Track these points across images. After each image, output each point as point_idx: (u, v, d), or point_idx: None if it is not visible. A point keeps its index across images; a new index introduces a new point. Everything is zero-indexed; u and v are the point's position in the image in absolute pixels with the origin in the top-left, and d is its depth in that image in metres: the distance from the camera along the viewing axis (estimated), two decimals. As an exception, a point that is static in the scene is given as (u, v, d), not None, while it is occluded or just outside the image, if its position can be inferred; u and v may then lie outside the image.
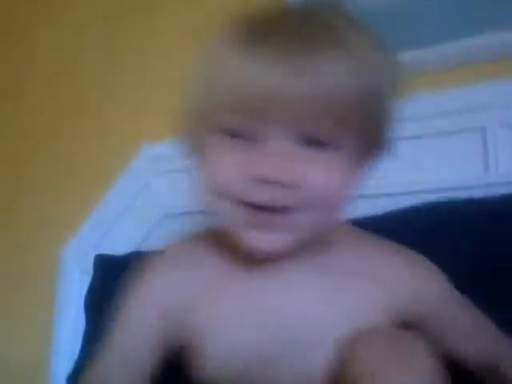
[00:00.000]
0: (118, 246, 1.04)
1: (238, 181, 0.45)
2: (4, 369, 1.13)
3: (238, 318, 0.49)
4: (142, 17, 1.24)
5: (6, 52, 1.42)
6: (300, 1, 0.49)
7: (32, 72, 1.37)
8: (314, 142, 0.45)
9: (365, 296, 0.50)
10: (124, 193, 1.08)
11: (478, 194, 0.79)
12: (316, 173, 0.45)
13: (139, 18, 1.24)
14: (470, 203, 0.74)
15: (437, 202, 0.76)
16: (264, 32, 0.43)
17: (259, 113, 0.43)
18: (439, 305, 0.52)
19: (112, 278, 0.88)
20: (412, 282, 0.52)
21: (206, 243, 0.55)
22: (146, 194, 1.07)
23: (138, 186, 1.07)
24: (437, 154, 0.85)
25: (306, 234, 0.47)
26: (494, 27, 0.86)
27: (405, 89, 0.82)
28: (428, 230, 0.72)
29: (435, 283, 0.53)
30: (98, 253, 1.00)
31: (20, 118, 1.35)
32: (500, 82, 0.81)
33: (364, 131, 0.46)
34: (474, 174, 0.82)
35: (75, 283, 1.05)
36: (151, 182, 1.07)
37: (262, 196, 0.44)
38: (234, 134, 0.46)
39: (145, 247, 1.02)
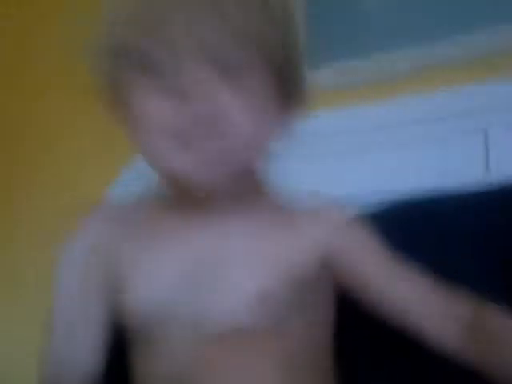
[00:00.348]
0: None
1: (167, 115, 0.46)
2: (3, 374, 1.13)
3: (163, 263, 0.51)
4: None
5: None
6: None
7: (32, 68, 1.37)
8: (222, 67, 0.46)
9: (291, 240, 0.52)
10: (127, 192, 1.07)
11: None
12: (227, 96, 0.46)
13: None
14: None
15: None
16: None
17: (174, 44, 0.44)
18: (363, 246, 0.54)
19: None
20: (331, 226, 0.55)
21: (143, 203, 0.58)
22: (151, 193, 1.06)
23: (141, 186, 1.07)
24: (438, 155, 0.85)
25: (226, 162, 0.48)
26: (495, 28, 0.86)
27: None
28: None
29: (364, 230, 0.55)
30: None
31: (21, 121, 1.35)
32: (501, 84, 0.82)
33: (272, 65, 0.48)
34: (475, 175, 0.82)
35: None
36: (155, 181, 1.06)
37: (192, 125, 0.45)
38: (151, 71, 0.46)
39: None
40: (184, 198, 0.52)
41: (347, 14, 1.00)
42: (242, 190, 0.52)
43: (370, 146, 0.88)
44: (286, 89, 0.51)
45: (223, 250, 0.51)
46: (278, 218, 0.54)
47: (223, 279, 0.50)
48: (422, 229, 0.69)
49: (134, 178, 1.08)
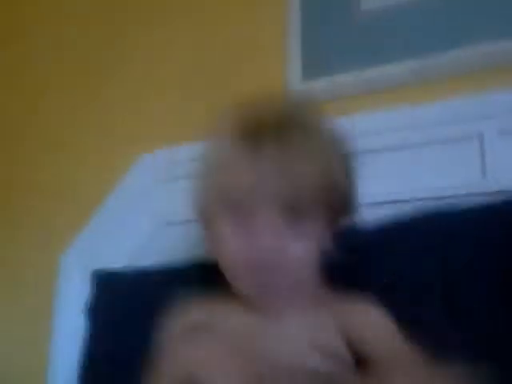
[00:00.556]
0: (118, 253, 1.05)
1: (245, 252, 0.62)
2: (3, 374, 1.14)
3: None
4: (141, 28, 1.24)
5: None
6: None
7: (33, 73, 1.37)
8: (292, 216, 0.61)
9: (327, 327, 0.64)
10: (123, 200, 1.08)
11: (475, 201, 0.80)
12: (292, 238, 0.61)
13: (138, 29, 1.24)
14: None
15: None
16: (253, 139, 0.61)
17: (255, 201, 0.61)
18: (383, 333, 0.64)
19: (109, 291, 0.95)
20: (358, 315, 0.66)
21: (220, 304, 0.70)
22: (146, 201, 1.07)
23: (137, 194, 1.08)
24: (435, 162, 0.86)
25: (290, 285, 0.63)
26: (491, 36, 0.86)
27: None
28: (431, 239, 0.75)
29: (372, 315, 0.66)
30: (97, 259, 1.02)
31: (21, 121, 1.36)
32: (497, 90, 0.82)
33: (330, 206, 0.64)
34: (471, 182, 0.83)
35: (75, 289, 1.05)
36: (151, 189, 1.07)
37: (262, 258, 0.61)
38: (236, 212, 0.62)
39: (144, 255, 1.04)
40: (247, 300, 0.66)
41: (343, 26, 1.00)
42: (294, 294, 0.65)
43: (366, 152, 0.88)
44: (340, 219, 0.67)
45: (277, 340, 0.63)
46: (323, 309, 0.66)
47: (278, 346, 0.62)
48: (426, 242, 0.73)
49: (136, 177, 1.09)
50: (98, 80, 1.26)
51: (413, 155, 0.87)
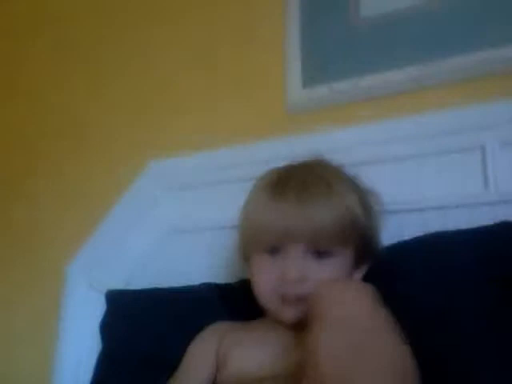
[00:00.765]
0: (124, 262, 1.05)
1: (274, 283, 0.72)
2: (9, 381, 1.14)
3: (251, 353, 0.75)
4: (148, 28, 1.24)
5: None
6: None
7: (36, 81, 1.36)
8: (317, 253, 0.71)
9: None
10: (130, 208, 1.08)
11: (477, 211, 0.81)
12: (318, 272, 0.71)
13: (147, 29, 1.24)
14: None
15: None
16: (280, 189, 0.72)
17: (282, 238, 0.71)
18: None
19: (122, 310, 0.94)
20: None
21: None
22: (153, 209, 1.07)
23: (144, 202, 1.08)
24: (437, 172, 0.86)
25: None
26: (493, 43, 0.87)
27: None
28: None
29: None
30: (103, 269, 1.04)
31: (24, 129, 1.35)
32: (499, 101, 0.83)
33: (351, 244, 0.73)
34: (473, 192, 0.83)
35: (81, 298, 1.05)
36: (157, 198, 1.07)
37: (289, 290, 0.71)
38: (268, 251, 0.73)
39: (150, 264, 1.04)
40: (272, 318, 0.76)
41: (342, 34, 1.00)
42: None
43: (367, 161, 0.88)
44: (364, 255, 0.75)
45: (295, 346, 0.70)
46: None
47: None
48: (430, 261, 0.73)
49: (143, 186, 1.09)
50: (105, 87, 1.26)
51: (414, 165, 0.87)
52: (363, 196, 0.76)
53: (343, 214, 0.71)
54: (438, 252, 0.75)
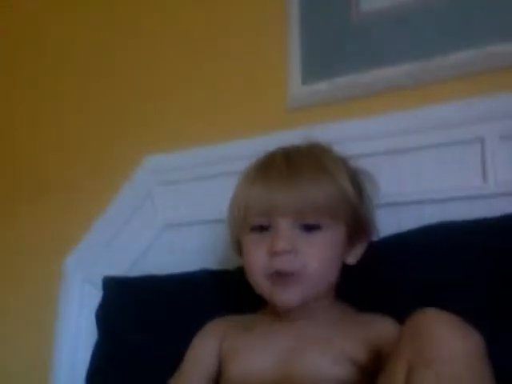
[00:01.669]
0: (120, 256, 1.05)
1: (264, 260, 0.70)
2: (5, 376, 1.14)
3: (256, 352, 0.72)
4: (145, 22, 1.24)
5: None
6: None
7: (31, 80, 1.37)
8: (305, 226, 0.70)
9: (351, 336, 0.69)
10: (126, 204, 1.08)
11: (476, 204, 0.81)
12: (307, 245, 0.69)
13: (144, 22, 1.24)
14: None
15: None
16: (267, 167, 0.73)
17: (270, 215, 0.70)
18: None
19: (119, 296, 0.94)
20: (378, 327, 0.70)
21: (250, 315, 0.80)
22: (148, 204, 1.07)
23: (139, 197, 1.08)
24: (436, 165, 0.86)
25: (303, 292, 0.70)
26: (492, 38, 0.86)
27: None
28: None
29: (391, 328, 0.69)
30: (99, 263, 1.03)
31: (21, 129, 1.35)
32: (498, 94, 0.82)
33: (341, 219, 0.71)
34: (472, 185, 0.83)
35: (77, 292, 1.06)
36: (153, 192, 1.07)
37: (279, 264, 0.69)
38: (257, 229, 0.72)
39: (146, 258, 1.04)
40: (273, 309, 0.75)
41: (342, 29, 1.00)
42: (315, 304, 0.72)
43: (366, 155, 0.88)
44: (356, 234, 0.73)
45: (300, 343, 0.70)
46: (342, 320, 0.72)
47: (300, 359, 0.68)
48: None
49: (138, 181, 1.09)
50: (99, 82, 1.26)
51: (414, 159, 0.87)
52: (355, 176, 0.75)
53: (330, 186, 0.70)
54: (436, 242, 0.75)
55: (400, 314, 0.71)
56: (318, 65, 1.02)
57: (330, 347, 0.67)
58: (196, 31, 1.16)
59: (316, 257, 0.69)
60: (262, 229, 0.71)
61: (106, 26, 1.28)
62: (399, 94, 0.92)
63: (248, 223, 0.73)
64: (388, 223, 0.80)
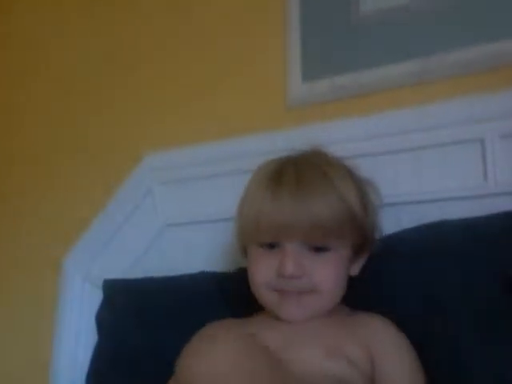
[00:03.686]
0: (120, 255, 1.05)
1: (271, 276, 0.72)
2: (5, 376, 1.14)
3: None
4: (143, 21, 1.24)
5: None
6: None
7: (32, 81, 1.36)
8: (314, 248, 0.71)
9: (346, 335, 0.71)
10: (126, 202, 1.08)
11: (476, 204, 0.81)
12: (317, 268, 0.70)
13: (142, 22, 1.24)
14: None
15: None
16: (277, 184, 0.71)
17: (279, 234, 0.70)
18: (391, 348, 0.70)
19: (119, 299, 0.95)
20: (369, 325, 0.73)
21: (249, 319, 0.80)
22: (148, 203, 1.07)
23: (139, 196, 1.08)
24: (436, 165, 0.86)
25: (314, 309, 0.72)
26: (492, 37, 0.86)
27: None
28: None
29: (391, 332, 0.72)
30: (99, 263, 1.04)
31: (20, 122, 1.35)
32: (499, 94, 0.82)
33: (348, 239, 0.72)
34: (472, 185, 0.83)
35: (77, 292, 1.06)
36: (153, 191, 1.07)
37: (288, 286, 0.71)
38: (266, 245, 0.73)
39: (146, 258, 1.04)
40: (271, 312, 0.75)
41: (342, 28, 1.00)
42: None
43: (367, 154, 0.88)
44: (361, 249, 0.75)
45: (296, 340, 0.70)
46: (339, 321, 0.74)
47: (297, 357, 0.68)
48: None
49: (138, 180, 1.09)
50: (99, 82, 1.26)
51: (414, 158, 0.87)
52: (362, 189, 0.75)
53: (341, 209, 0.70)
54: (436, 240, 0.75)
55: (398, 312, 0.72)
56: (318, 63, 1.01)
57: (327, 345, 0.68)
58: (196, 31, 1.16)
59: (329, 278, 0.71)
60: (271, 246, 0.72)
61: (105, 27, 1.28)
62: (399, 94, 0.92)
63: (256, 239, 0.74)
64: (388, 223, 0.80)
